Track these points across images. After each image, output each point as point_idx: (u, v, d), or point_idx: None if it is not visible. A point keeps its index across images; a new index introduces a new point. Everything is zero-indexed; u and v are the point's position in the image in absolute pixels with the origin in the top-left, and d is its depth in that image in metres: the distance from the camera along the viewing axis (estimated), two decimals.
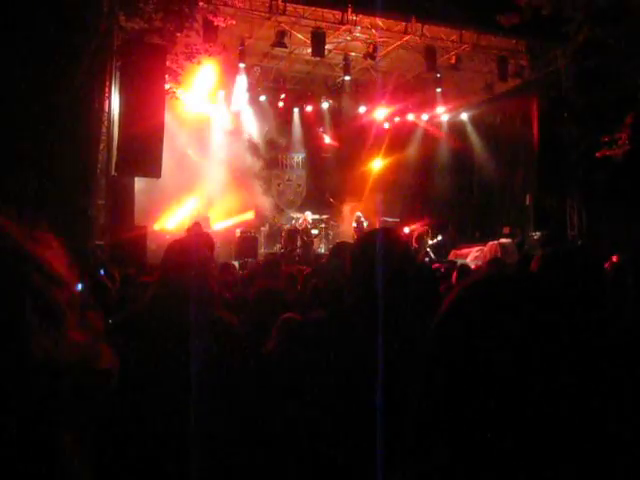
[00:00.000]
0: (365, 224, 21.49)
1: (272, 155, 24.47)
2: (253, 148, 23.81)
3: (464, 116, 24.64)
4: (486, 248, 19.65)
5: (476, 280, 1.41)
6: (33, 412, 0.86)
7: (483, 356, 1.23)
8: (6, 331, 0.85)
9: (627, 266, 3.37)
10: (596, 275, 3.13)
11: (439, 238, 20.83)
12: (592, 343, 1.23)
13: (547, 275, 3.04)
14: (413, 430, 1.35)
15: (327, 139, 25.59)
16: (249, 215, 22.08)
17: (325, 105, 24.09)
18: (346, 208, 23.68)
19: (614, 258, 7.10)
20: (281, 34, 17.41)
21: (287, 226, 21.60)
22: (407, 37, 18.54)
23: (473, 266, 11.84)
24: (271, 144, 24.40)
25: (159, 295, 3.40)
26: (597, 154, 16.73)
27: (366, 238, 3.26)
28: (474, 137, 24.23)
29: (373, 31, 18.28)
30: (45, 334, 0.89)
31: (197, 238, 5.06)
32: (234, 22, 15.87)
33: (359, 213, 21.87)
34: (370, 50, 18.58)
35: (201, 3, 14.93)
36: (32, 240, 0.99)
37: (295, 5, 17.10)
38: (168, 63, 15.53)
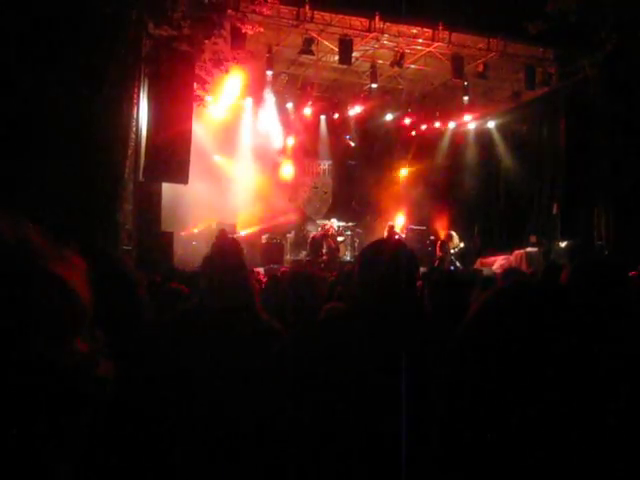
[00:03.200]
0: (398, 233, 21.44)
1: (299, 162, 24.48)
2: (279, 155, 23.87)
3: (491, 124, 24.55)
4: (512, 257, 19.58)
5: (500, 289, 1.43)
6: (32, 406, 0.91)
7: (509, 362, 1.25)
8: (14, 332, 0.90)
9: None
10: (624, 286, 3.13)
11: (461, 246, 20.77)
12: (623, 351, 1.24)
13: (578, 285, 3.05)
14: (439, 435, 1.37)
15: (354, 146, 25.59)
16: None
17: (352, 112, 24.08)
18: (372, 215, 23.68)
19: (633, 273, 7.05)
20: (308, 42, 17.45)
21: (313, 233, 21.60)
22: (434, 45, 18.52)
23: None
24: (298, 151, 24.42)
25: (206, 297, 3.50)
26: (625, 163, 16.60)
27: (372, 246, 3.30)
28: (501, 145, 24.13)
29: (400, 39, 18.27)
30: (50, 340, 0.94)
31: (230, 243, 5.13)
32: (262, 30, 15.95)
33: (391, 223, 21.82)
34: (397, 58, 18.57)
35: (229, 11, 15.01)
36: (58, 257, 1.04)
37: (322, 13, 17.15)
38: (196, 70, 15.62)
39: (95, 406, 1.01)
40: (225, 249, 3.78)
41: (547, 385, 1.22)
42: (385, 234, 21.16)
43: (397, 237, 20.66)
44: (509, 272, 6.06)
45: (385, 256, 3.00)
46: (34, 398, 0.91)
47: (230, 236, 16.56)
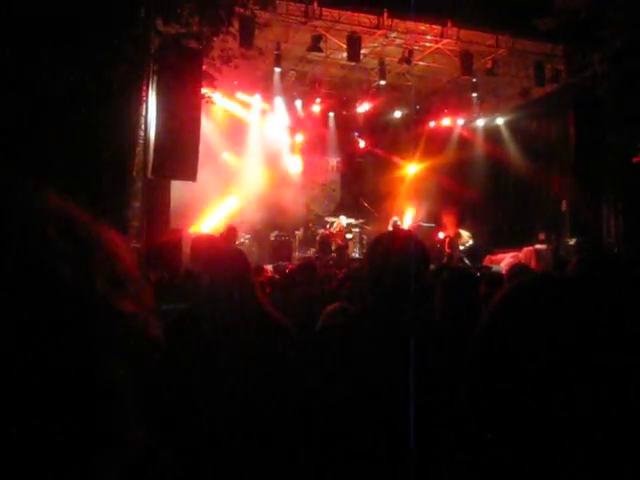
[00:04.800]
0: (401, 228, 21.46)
1: (307, 160, 24.49)
2: (289, 153, 23.90)
3: (500, 121, 24.50)
4: (521, 254, 19.53)
5: (520, 283, 1.41)
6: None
7: (531, 356, 1.23)
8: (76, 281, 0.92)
9: None
10: (632, 280, 3.10)
11: (470, 243, 20.74)
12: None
13: (586, 278, 3.02)
14: (457, 429, 1.36)
15: (362, 143, 25.60)
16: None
17: (360, 109, 24.08)
18: (380, 213, 23.66)
19: None
20: (317, 38, 17.45)
21: (321, 230, 21.60)
22: (443, 42, 18.49)
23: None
24: (306, 148, 24.44)
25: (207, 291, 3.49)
26: (634, 159, 16.53)
27: (379, 240, 3.28)
28: (510, 142, 24.07)
29: (409, 36, 18.25)
30: (109, 293, 0.97)
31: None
32: (271, 25, 15.98)
33: (396, 217, 21.85)
34: (406, 55, 18.56)
35: (238, 8, 15.01)
36: (101, 225, 1.09)
37: (331, 10, 17.13)
38: (205, 67, 15.63)
39: (150, 367, 1.03)
40: (227, 255, 3.77)
41: (580, 381, 1.20)
42: (390, 229, 21.17)
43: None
44: (516, 269, 6.02)
45: (396, 249, 2.98)
46: (104, 356, 0.92)
47: (235, 243, 16.65)
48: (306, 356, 3.08)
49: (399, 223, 21.66)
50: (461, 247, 20.82)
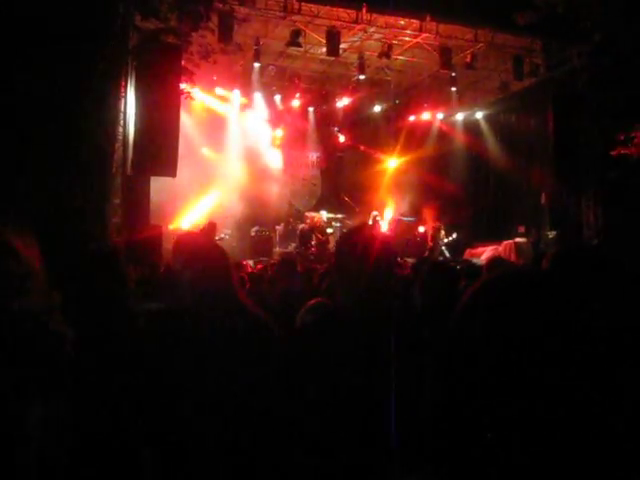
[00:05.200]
0: (381, 222, 21.52)
1: (287, 155, 24.48)
2: (269, 148, 23.89)
3: (479, 115, 24.60)
4: (501, 247, 19.63)
5: (488, 280, 1.43)
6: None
7: (496, 352, 1.25)
8: None
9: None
10: (610, 275, 3.12)
11: (454, 236, 20.82)
12: (599, 342, 1.24)
13: (556, 274, 3.04)
14: (429, 426, 1.37)
15: (342, 138, 25.61)
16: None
17: (340, 104, 24.08)
18: (361, 207, 23.69)
19: None
20: (296, 33, 17.42)
21: (302, 225, 21.61)
22: (422, 36, 18.50)
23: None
24: (286, 143, 24.43)
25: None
26: (612, 153, 16.63)
27: (347, 236, 3.31)
28: (489, 136, 24.17)
29: (388, 30, 18.26)
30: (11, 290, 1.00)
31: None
32: (250, 20, 15.91)
33: (375, 212, 21.90)
34: (385, 49, 18.55)
35: (216, 3, 14.96)
36: (13, 235, 1.12)
37: (309, 4, 17.09)
38: (183, 63, 15.57)
39: (57, 358, 1.05)
40: (208, 251, 3.77)
41: (541, 375, 1.22)
42: (370, 223, 21.20)
43: (377, 225, 20.79)
44: (494, 262, 6.05)
45: (360, 246, 3.00)
46: None
47: (215, 238, 16.63)
48: (286, 353, 3.08)
49: (379, 218, 21.72)
50: (444, 240, 20.91)
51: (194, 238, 4.43)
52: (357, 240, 3.05)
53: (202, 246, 3.79)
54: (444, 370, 1.39)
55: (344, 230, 22.20)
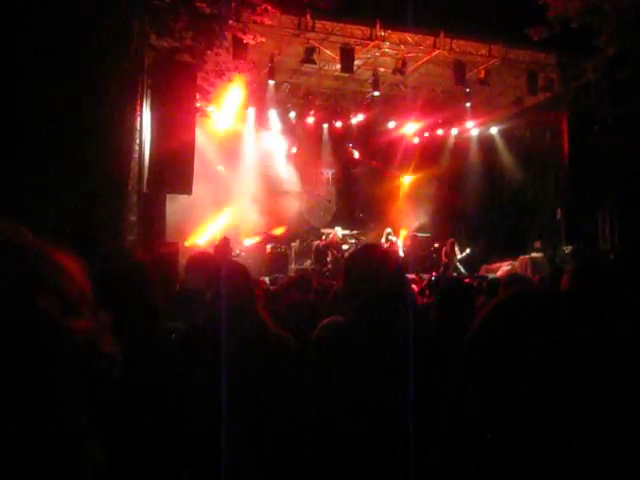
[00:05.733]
0: (394, 240, 21.48)
1: (302, 171, 24.51)
2: (284, 165, 23.94)
3: (494, 130, 24.59)
4: (517, 262, 19.59)
5: (509, 296, 1.43)
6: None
7: (512, 371, 1.25)
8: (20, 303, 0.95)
9: None
10: (625, 287, 3.10)
11: (467, 252, 20.77)
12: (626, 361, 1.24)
13: (578, 290, 3.03)
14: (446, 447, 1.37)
15: (356, 154, 25.63)
16: (279, 230, 22.07)
17: (354, 121, 24.10)
18: (376, 223, 23.68)
19: None
20: (310, 51, 17.49)
21: (317, 242, 21.61)
22: (436, 52, 18.55)
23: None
24: (301, 160, 24.46)
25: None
26: (628, 167, 16.58)
27: (356, 255, 3.32)
28: (504, 151, 24.15)
29: (402, 46, 18.32)
30: (56, 312, 0.99)
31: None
32: (264, 40, 15.95)
33: (389, 229, 21.87)
34: (399, 65, 18.59)
35: (231, 21, 15.04)
36: (53, 249, 1.12)
37: (324, 22, 17.19)
38: (199, 81, 15.64)
39: (107, 382, 1.05)
40: (231, 271, 3.80)
41: (554, 391, 1.22)
42: (382, 241, 21.18)
43: (389, 243, 20.76)
44: (513, 278, 6.05)
45: (372, 262, 3.00)
46: (47, 368, 0.95)
47: (230, 255, 16.66)
48: (302, 369, 3.09)
49: (391, 236, 21.66)
50: (457, 256, 20.86)
51: (209, 256, 4.46)
52: (366, 259, 3.06)
53: (224, 265, 3.82)
54: (459, 386, 1.39)
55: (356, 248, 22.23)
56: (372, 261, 3.02)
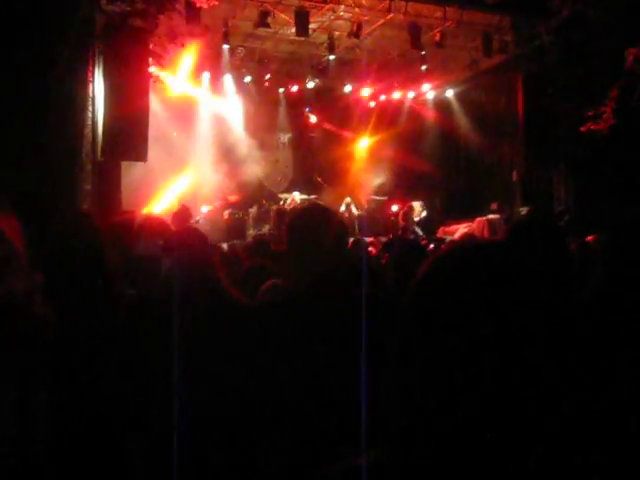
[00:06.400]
0: (354, 209, 21.49)
1: (258, 136, 24.37)
2: (240, 130, 23.78)
3: (450, 93, 24.62)
4: (474, 224, 19.75)
5: (442, 252, 1.46)
6: None
7: (449, 324, 1.27)
8: None
9: (599, 248, 3.45)
10: (557, 249, 3.19)
11: (424, 214, 20.91)
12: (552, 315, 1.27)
13: (510, 245, 3.07)
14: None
15: (313, 119, 25.55)
16: (233, 198, 21.89)
17: (310, 85, 23.97)
18: (334, 187, 23.70)
19: (589, 238, 7.21)
20: (264, 14, 17.29)
21: (275, 207, 21.55)
22: (391, 15, 18.43)
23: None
24: (257, 125, 24.32)
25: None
26: (582, 128, 16.74)
27: (297, 217, 3.30)
28: (460, 114, 24.23)
29: (357, 9, 18.18)
30: None
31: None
32: (217, 3, 15.73)
33: (348, 199, 21.82)
34: (354, 29, 18.48)
35: None
36: None
37: None
38: (151, 46, 15.43)
39: (39, 342, 1.05)
40: (189, 237, 3.79)
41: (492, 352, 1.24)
42: (342, 209, 21.21)
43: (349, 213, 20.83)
44: (466, 240, 6.08)
45: (311, 227, 2.99)
46: None
47: (192, 224, 16.59)
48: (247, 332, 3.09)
49: (352, 205, 21.67)
50: (415, 219, 20.97)
51: (162, 222, 4.44)
52: (307, 221, 3.06)
53: (183, 232, 3.80)
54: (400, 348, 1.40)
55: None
56: (312, 223, 3.01)
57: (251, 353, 2.97)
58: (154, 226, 5.42)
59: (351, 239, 10.24)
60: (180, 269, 3.43)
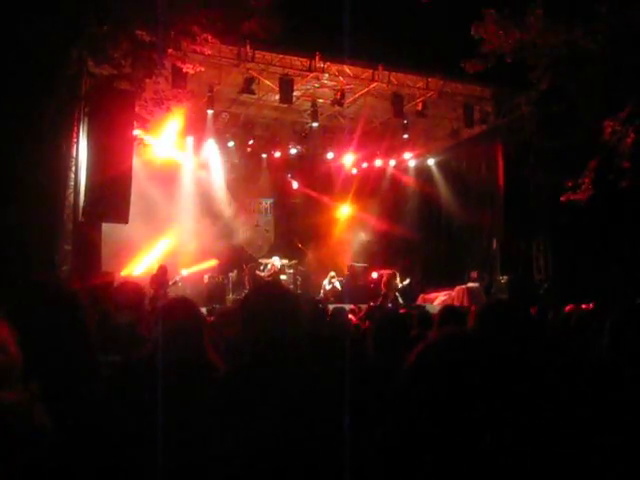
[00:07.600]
0: (338, 286, 21.28)
1: (240, 200, 24.45)
2: (222, 194, 23.83)
3: (431, 161, 24.93)
4: (454, 292, 19.81)
5: (432, 342, 1.52)
6: None
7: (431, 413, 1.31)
8: None
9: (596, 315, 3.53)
10: (525, 329, 3.25)
11: (406, 282, 20.91)
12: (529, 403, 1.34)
13: (484, 334, 3.15)
14: None
15: (295, 184, 25.69)
16: (212, 262, 21.79)
17: (293, 151, 24.16)
18: (315, 253, 23.73)
19: (568, 307, 7.31)
20: (249, 81, 17.49)
21: (256, 272, 21.49)
22: (374, 84, 18.75)
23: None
24: (240, 190, 24.40)
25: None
26: (561, 198, 16.92)
27: (254, 295, 3.26)
28: (441, 182, 24.48)
29: (341, 78, 18.47)
30: None
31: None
32: (203, 69, 15.91)
33: (333, 273, 21.66)
34: (338, 97, 18.72)
35: (170, 50, 14.97)
36: None
37: (263, 52, 17.24)
38: (137, 109, 15.54)
39: (36, 453, 1.01)
40: (182, 305, 3.77)
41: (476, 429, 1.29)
42: (326, 282, 21.09)
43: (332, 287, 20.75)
44: (445, 313, 6.02)
45: (266, 303, 2.97)
46: None
47: (167, 283, 16.54)
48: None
49: (335, 280, 21.50)
50: (398, 285, 20.97)
51: (137, 287, 4.42)
52: (263, 297, 3.04)
53: (170, 303, 3.79)
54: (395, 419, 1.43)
55: (297, 276, 22.20)
56: (269, 305, 2.97)
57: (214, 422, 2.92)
58: (129, 292, 5.41)
59: (331, 307, 10.24)
60: (170, 340, 3.41)
